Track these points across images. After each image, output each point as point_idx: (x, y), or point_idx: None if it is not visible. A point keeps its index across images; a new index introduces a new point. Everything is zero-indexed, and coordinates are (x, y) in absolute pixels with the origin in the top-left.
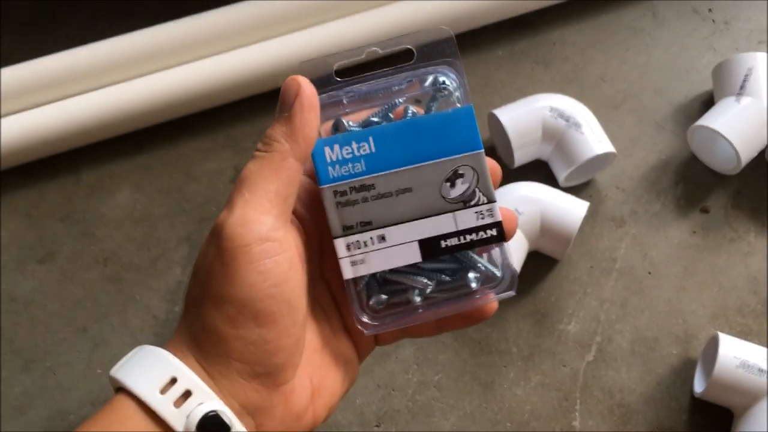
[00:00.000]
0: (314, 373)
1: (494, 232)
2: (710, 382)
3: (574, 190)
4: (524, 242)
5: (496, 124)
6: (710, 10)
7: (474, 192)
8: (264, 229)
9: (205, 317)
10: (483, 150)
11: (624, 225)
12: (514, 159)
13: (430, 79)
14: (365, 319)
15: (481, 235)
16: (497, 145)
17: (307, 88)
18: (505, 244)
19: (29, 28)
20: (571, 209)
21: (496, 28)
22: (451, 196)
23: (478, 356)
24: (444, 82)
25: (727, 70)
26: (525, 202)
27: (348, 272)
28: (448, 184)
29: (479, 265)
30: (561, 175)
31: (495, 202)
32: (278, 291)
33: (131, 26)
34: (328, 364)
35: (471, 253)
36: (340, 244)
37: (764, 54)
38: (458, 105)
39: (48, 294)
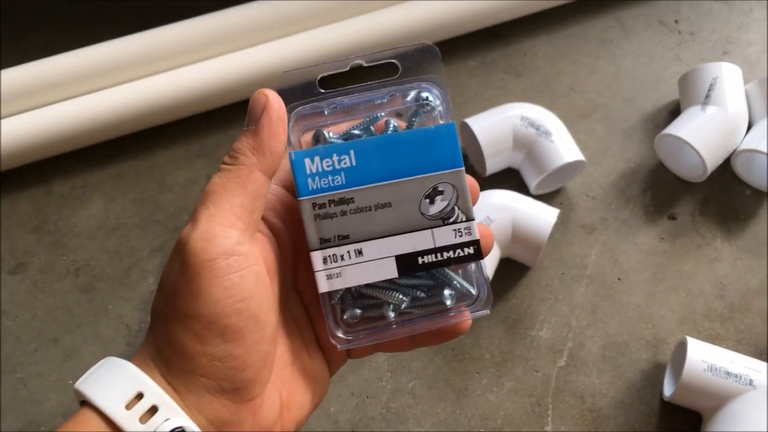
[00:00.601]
0: (284, 388)
1: (471, 250)
2: (679, 385)
3: (545, 198)
4: (496, 249)
5: (468, 133)
6: (676, 21)
7: (453, 209)
8: (229, 243)
9: (171, 333)
10: (464, 168)
11: (594, 232)
12: (486, 167)
13: (413, 93)
14: (339, 334)
15: (459, 253)
16: (469, 154)
17: (274, 101)
18: (482, 261)
19: None
20: (542, 216)
21: (469, 38)
22: (430, 213)
23: (451, 363)
24: (427, 98)
25: (692, 80)
26: (497, 210)
27: (323, 286)
28: (428, 200)
29: (455, 282)
30: (532, 183)
31: (473, 220)
32: (245, 306)
33: (104, 36)
34: (299, 378)
35: (447, 270)
36: (316, 257)
37: (728, 64)
38: (440, 121)
39: (19, 305)
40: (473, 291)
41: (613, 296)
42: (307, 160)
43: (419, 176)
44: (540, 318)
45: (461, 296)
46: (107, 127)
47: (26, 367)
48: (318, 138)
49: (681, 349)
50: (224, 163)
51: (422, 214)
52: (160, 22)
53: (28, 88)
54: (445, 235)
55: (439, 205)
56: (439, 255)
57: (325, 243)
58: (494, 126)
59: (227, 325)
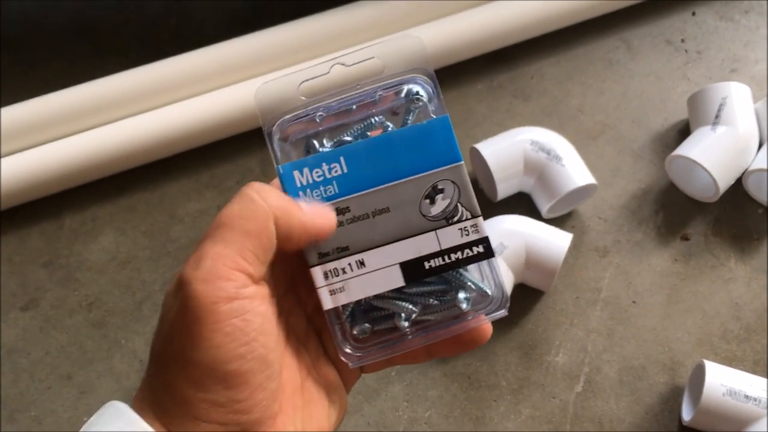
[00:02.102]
0: (296, 415)
1: (481, 248)
2: (698, 410)
3: (557, 222)
4: (510, 275)
5: (478, 158)
6: (683, 40)
7: (456, 207)
8: (233, 287)
9: (169, 378)
10: (462, 162)
11: (607, 255)
12: (497, 192)
13: (404, 90)
14: (349, 350)
15: (467, 253)
16: (480, 179)
17: (329, 223)
18: (494, 259)
19: (6, 72)
20: (555, 241)
21: (475, 62)
22: (432, 214)
23: (467, 391)
24: (417, 93)
25: (702, 99)
26: (509, 236)
27: (327, 302)
28: (428, 200)
29: (469, 283)
30: (544, 208)
31: (479, 216)
32: (249, 349)
33: (110, 67)
34: (312, 400)
35: (460, 271)
36: (317, 273)
37: (738, 84)
38: (433, 116)
39: (31, 342)
40: (488, 291)
41: (629, 319)
42: (296, 173)
43: (416, 176)
44: (555, 343)
45: (477, 298)
46: (116, 160)
47: (40, 405)
48: (309, 149)
49: (699, 372)
50: (250, 187)
51: (424, 215)
52: (167, 53)
53: (35, 123)
54: (450, 236)
55: (441, 204)
56: (446, 257)
57: (324, 257)
58: (504, 151)
59: (229, 371)
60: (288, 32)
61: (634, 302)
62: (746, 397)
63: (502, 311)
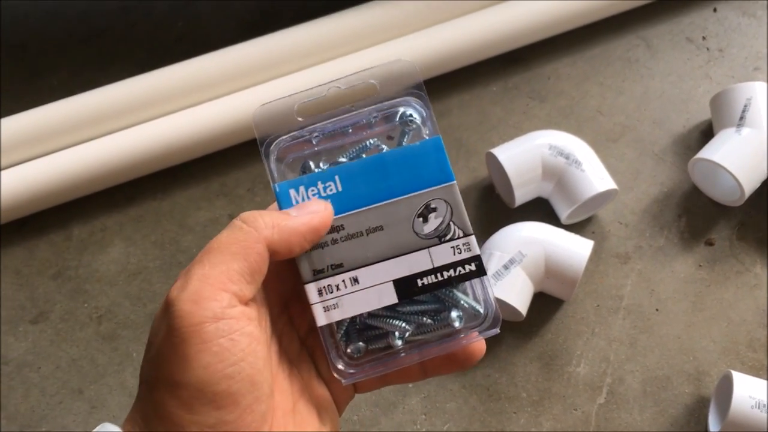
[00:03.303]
0: None
1: (473, 266)
2: (726, 423)
3: (577, 227)
4: (529, 284)
5: (494, 164)
6: (704, 38)
7: (449, 226)
8: (218, 306)
9: (157, 401)
10: (455, 181)
11: (629, 261)
12: (515, 198)
13: (398, 113)
14: (341, 367)
15: (460, 271)
16: (496, 184)
17: (327, 215)
18: (486, 278)
19: (11, 81)
20: (576, 250)
21: (489, 63)
22: (425, 232)
23: (486, 403)
24: (411, 115)
25: (725, 100)
26: (528, 244)
27: (321, 319)
28: (421, 219)
29: (461, 302)
30: (563, 214)
31: (472, 234)
32: (236, 370)
33: (115, 74)
34: (304, 420)
35: (453, 290)
36: (311, 290)
37: (763, 84)
38: (426, 137)
39: (42, 355)
40: (480, 309)
41: (652, 328)
42: (292, 191)
43: (409, 195)
44: (577, 353)
45: (470, 317)
46: (125, 169)
47: (51, 421)
48: (305, 169)
49: (726, 383)
50: (237, 219)
51: (416, 234)
52: (173, 58)
53: (42, 132)
54: (443, 254)
55: (434, 222)
56: (439, 275)
57: (318, 274)
58: (522, 156)
59: (217, 392)
60: (297, 35)
61: (657, 310)
62: None
63: (495, 329)
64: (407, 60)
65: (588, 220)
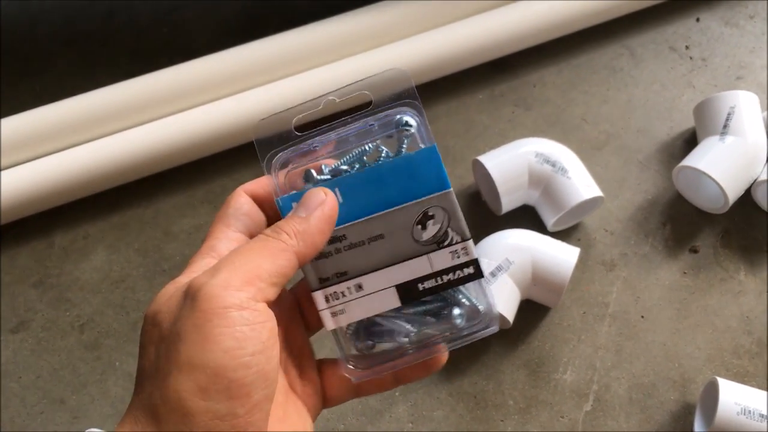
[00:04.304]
0: None
1: (471, 269)
2: (711, 430)
3: (563, 235)
4: (516, 291)
5: (481, 171)
6: (687, 47)
7: (446, 232)
8: (245, 296)
9: (169, 388)
10: (451, 189)
11: (614, 268)
12: (502, 205)
13: (395, 120)
14: (351, 367)
15: (458, 274)
16: (483, 192)
17: (332, 201)
18: (483, 280)
19: None
20: (562, 257)
21: (476, 71)
22: (424, 239)
23: (474, 411)
24: (407, 122)
25: (709, 108)
26: (515, 251)
27: (330, 323)
28: (419, 226)
29: (463, 300)
30: (549, 221)
31: (469, 239)
32: (254, 360)
33: (100, 79)
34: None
35: (456, 290)
36: (318, 297)
37: (746, 92)
38: (421, 145)
39: (22, 365)
40: (480, 307)
41: (638, 335)
42: (294, 204)
43: (408, 204)
44: (563, 360)
45: (471, 314)
46: (108, 176)
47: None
48: (308, 178)
49: (711, 389)
50: (264, 233)
51: (416, 240)
52: (158, 64)
53: (24, 138)
54: (442, 259)
55: (432, 229)
56: (438, 279)
57: (324, 282)
58: (508, 163)
59: (234, 380)
60: (283, 42)
61: (642, 317)
62: (761, 416)
63: (494, 327)
64: (400, 69)
65: (574, 228)
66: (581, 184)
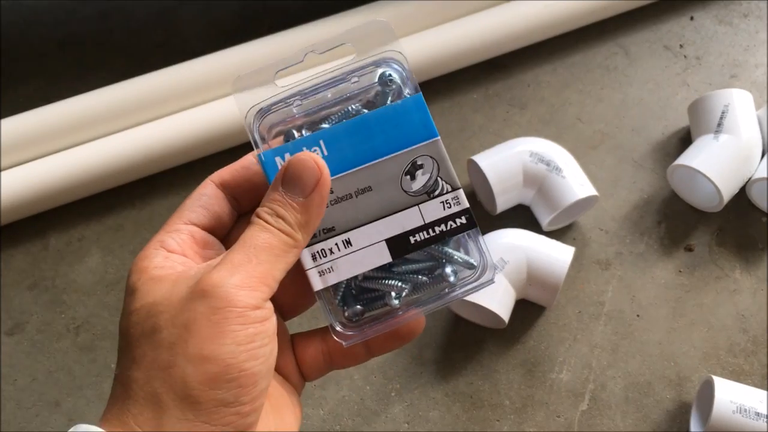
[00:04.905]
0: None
1: (464, 219)
2: (707, 428)
3: (558, 234)
4: (511, 291)
5: (475, 171)
6: (681, 46)
7: (436, 181)
8: (260, 296)
9: (174, 377)
10: (439, 137)
11: (610, 267)
12: (496, 205)
13: (377, 73)
14: (340, 330)
15: (451, 225)
16: (478, 191)
17: (327, 177)
18: (477, 230)
19: None
20: (557, 256)
21: (470, 71)
22: (414, 189)
23: (470, 411)
24: (390, 75)
25: (703, 107)
26: (510, 250)
27: (317, 283)
28: (408, 177)
29: (455, 257)
30: (544, 221)
31: (459, 188)
32: (263, 352)
33: (94, 82)
34: (283, 420)
35: (444, 248)
36: (305, 255)
37: (740, 91)
38: (407, 95)
39: (17, 367)
40: (474, 262)
41: (633, 334)
42: (277, 159)
43: (395, 154)
44: (559, 360)
45: (463, 270)
46: (103, 178)
47: None
48: (288, 137)
49: (707, 388)
50: (266, 221)
51: (405, 191)
52: (152, 66)
53: (18, 140)
54: (433, 210)
55: (421, 179)
56: (430, 231)
57: (311, 239)
58: (503, 163)
59: (244, 369)
60: (276, 43)
61: (638, 316)
62: (757, 414)
63: (490, 279)
64: (382, 20)
65: (569, 227)
66: (576, 183)
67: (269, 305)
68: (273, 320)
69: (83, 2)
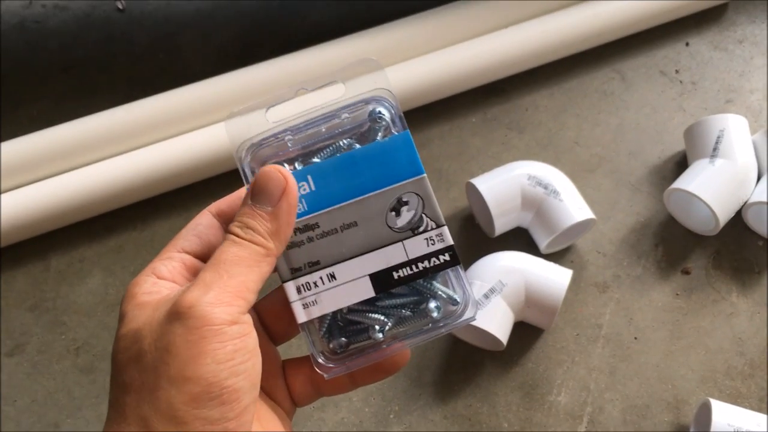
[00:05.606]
0: None
1: (447, 256)
2: None
3: (556, 257)
4: (510, 313)
5: (474, 194)
6: (677, 71)
7: (421, 218)
8: (236, 311)
9: (159, 400)
10: (425, 174)
11: (607, 290)
12: (495, 228)
13: (368, 111)
14: (322, 362)
15: (434, 261)
16: (476, 214)
17: (294, 186)
18: (460, 267)
19: None
20: (555, 279)
21: (469, 95)
22: (398, 225)
23: None
24: (380, 112)
25: (699, 132)
26: (508, 273)
27: (301, 316)
28: (393, 213)
29: (439, 292)
30: (542, 243)
31: (444, 225)
32: (244, 368)
33: (97, 104)
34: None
35: (431, 282)
36: (290, 288)
37: (735, 116)
38: (395, 131)
39: (17, 388)
40: (457, 297)
41: (631, 356)
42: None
43: (381, 190)
44: (557, 382)
45: (447, 306)
46: (104, 200)
47: None
48: None
49: (704, 411)
50: (238, 236)
51: (390, 227)
52: (155, 89)
53: (21, 162)
54: (417, 246)
55: (406, 216)
56: (414, 267)
57: (296, 272)
58: (501, 186)
59: (225, 387)
60: (278, 67)
61: (635, 338)
62: None
63: (472, 316)
64: (373, 59)
65: (567, 250)
66: (573, 206)
67: (247, 319)
68: (253, 335)
69: (88, 28)
